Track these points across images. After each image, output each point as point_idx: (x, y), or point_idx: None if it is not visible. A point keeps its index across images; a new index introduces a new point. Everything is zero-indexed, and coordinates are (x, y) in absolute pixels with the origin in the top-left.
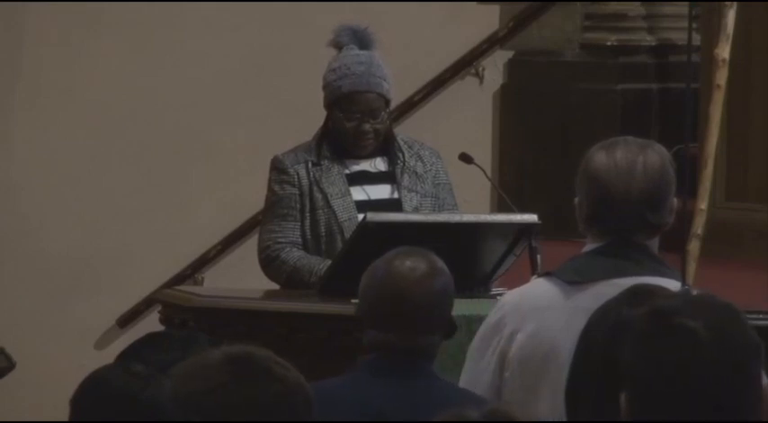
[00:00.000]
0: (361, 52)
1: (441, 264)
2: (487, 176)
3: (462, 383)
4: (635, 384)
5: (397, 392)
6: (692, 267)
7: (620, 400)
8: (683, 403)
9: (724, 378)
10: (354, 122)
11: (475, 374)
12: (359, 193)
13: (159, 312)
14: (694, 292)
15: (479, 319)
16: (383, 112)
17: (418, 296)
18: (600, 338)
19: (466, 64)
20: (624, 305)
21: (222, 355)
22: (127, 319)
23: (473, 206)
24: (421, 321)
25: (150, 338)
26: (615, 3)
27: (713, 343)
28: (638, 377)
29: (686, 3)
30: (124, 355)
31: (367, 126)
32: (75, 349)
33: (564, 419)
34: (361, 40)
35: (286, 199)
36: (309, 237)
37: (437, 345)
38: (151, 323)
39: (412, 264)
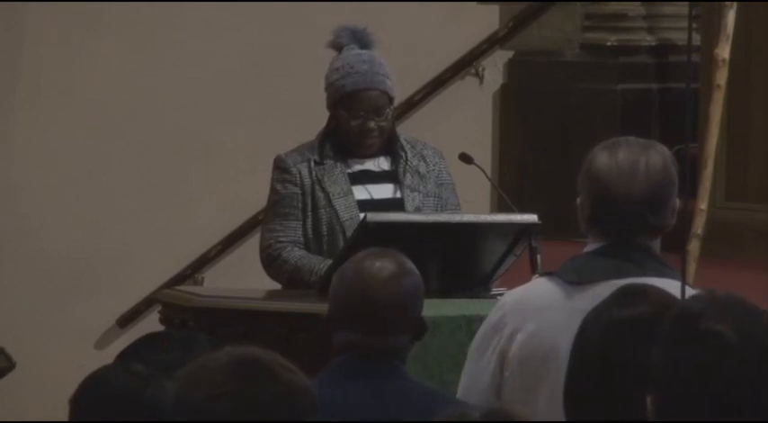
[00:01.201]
0: (363, 51)
1: (410, 264)
2: (487, 176)
3: (463, 383)
4: (662, 387)
5: (369, 393)
6: (692, 267)
7: (645, 402)
8: (710, 404)
9: (750, 378)
10: (359, 120)
11: (475, 374)
12: (361, 193)
13: (159, 312)
14: (719, 294)
15: (479, 319)
16: (387, 110)
17: (387, 296)
18: (594, 339)
19: (466, 64)
20: (614, 306)
21: (227, 357)
22: (127, 319)
23: (473, 206)
24: (390, 322)
25: (150, 338)
26: (615, 3)
27: (739, 345)
28: (664, 380)
29: (686, 3)
30: (124, 355)
31: (372, 124)
32: (75, 349)
33: (563, 419)
34: (361, 40)
35: (288, 198)
36: (311, 236)
37: (408, 346)
38: (151, 323)
39: (381, 264)
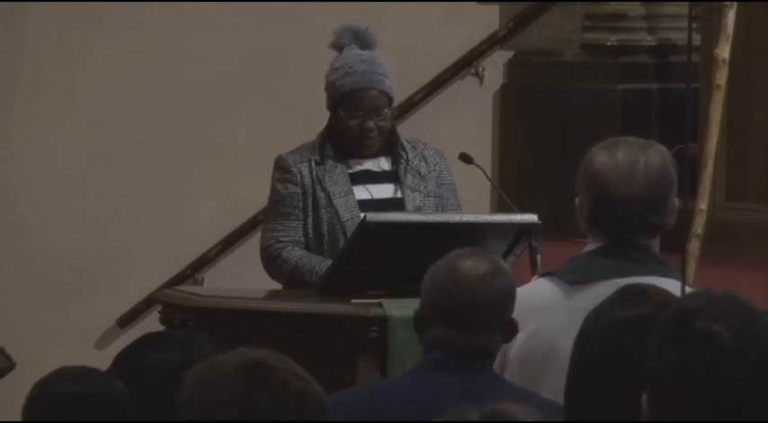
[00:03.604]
0: (363, 52)
1: (503, 264)
2: (487, 176)
3: None
4: (657, 385)
5: (460, 389)
6: (691, 267)
7: (641, 400)
8: (706, 404)
9: (746, 379)
10: (358, 120)
11: None
12: (362, 193)
13: (159, 312)
14: (715, 293)
15: None
16: (386, 110)
17: (481, 294)
18: (596, 339)
19: (466, 64)
20: (616, 306)
21: (237, 360)
22: (127, 319)
23: (473, 206)
24: (483, 320)
25: (150, 338)
26: (615, 3)
27: (736, 345)
28: (660, 379)
29: (686, 3)
30: (123, 355)
31: (371, 123)
32: (75, 349)
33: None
34: (363, 40)
35: (289, 198)
36: (312, 236)
37: (498, 344)
38: (151, 323)
39: (473, 263)
